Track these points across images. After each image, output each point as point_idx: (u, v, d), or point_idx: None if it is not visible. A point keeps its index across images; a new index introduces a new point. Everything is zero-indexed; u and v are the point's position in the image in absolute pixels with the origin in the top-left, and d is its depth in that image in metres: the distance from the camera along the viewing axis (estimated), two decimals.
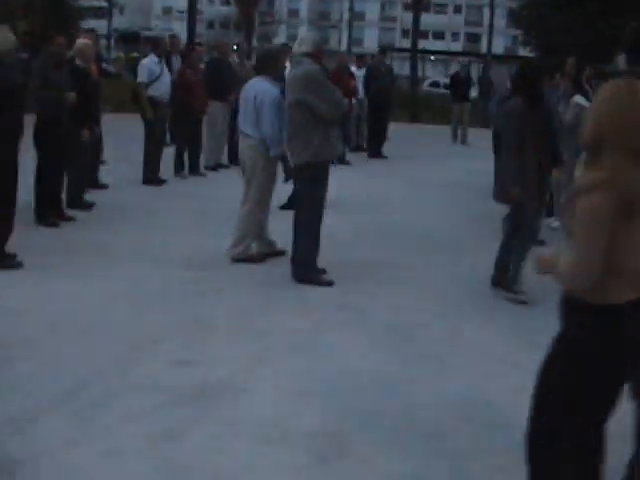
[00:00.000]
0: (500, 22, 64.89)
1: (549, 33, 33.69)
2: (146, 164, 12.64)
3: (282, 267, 7.91)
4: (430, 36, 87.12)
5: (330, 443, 4.46)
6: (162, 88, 12.56)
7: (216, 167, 14.28)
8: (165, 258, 8.29)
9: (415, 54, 36.64)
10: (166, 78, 12.65)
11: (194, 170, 13.68)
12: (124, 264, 8.00)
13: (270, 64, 8.48)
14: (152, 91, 12.41)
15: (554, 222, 10.11)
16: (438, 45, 74.77)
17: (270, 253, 8.45)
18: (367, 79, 17.40)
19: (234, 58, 14.98)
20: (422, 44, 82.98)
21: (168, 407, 4.82)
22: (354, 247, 9.22)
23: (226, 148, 14.62)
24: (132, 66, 15.48)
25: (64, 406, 4.75)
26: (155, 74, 12.44)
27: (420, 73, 44.24)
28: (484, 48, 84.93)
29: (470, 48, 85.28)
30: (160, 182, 12.69)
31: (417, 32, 36.67)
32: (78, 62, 10.23)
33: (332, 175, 7.78)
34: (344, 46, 76.25)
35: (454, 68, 71.72)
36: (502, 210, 8.01)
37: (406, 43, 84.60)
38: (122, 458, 4.16)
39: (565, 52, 34.68)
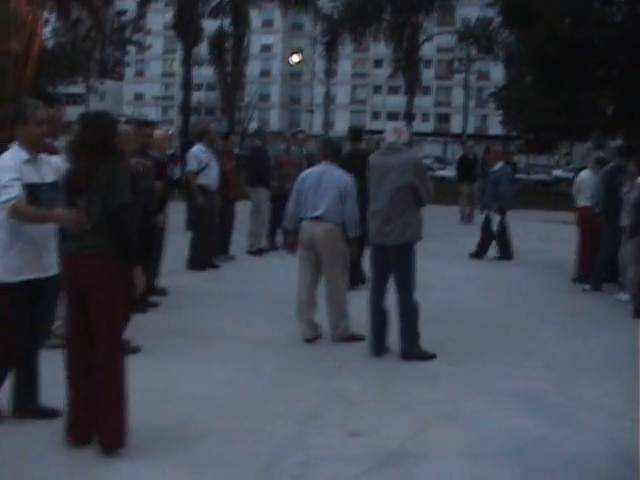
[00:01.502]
0: (470, 102, 66.25)
1: (535, 114, 34.64)
2: (194, 250, 12.97)
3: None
4: (400, 117, 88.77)
5: None
6: (211, 176, 12.95)
7: (260, 251, 14.69)
8: (258, 338, 8.67)
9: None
10: (214, 166, 13.05)
11: (225, 253, 14.04)
12: (229, 345, 8.35)
13: (335, 151, 8.98)
14: (201, 179, 12.79)
15: (624, 296, 10.73)
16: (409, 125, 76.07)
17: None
18: None
19: (281, 146, 15.50)
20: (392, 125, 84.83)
21: (369, 473, 5.18)
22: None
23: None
24: None
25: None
26: (204, 162, 12.86)
27: None
28: (453, 128, 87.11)
29: (440, 129, 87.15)
30: (215, 266, 13.05)
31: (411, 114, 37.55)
32: (152, 152, 10.62)
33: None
34: (317, 129, 77.65)
35: (429, 149, 73.29)
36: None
37: (377, 125, 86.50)
38: None
39: (547, 131, 35.90)
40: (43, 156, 5.94)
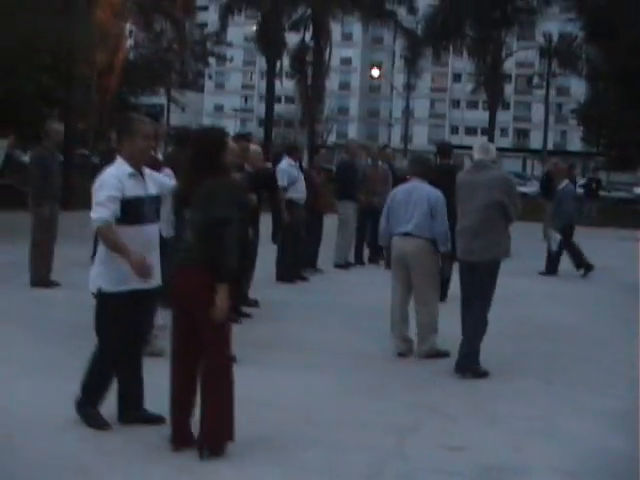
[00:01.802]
0: (549, 118, 65.74)
1: (617, 129, 34.30)
2: (282, 263, 13.17)
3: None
4: (479, 132, 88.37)
5: None
6: (300, 190, 13.14)
7: (347, 265, 14.87)
8: (352, 351, 8.85)
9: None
10: (302, 180, 13.24)
11: (313, 266, 14.22)
12: (322, 357, 8.54)
13: (425, 169, 9.09)
14: (291, 193, 12.98)
15: None
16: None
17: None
18: None
19: (367, 159, 15.67)
20: (470, 140, 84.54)
21: None
22: (507, 340, 9.71)
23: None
24: None
25: None
26: (294, 177, 13.06)
27: None
28: (532, 143, 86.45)
29: (519, 144, 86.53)
30: (304, 279, 13.24)
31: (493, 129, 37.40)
32: (247, 167, 10.83)
33: None
34: (396, 142, 77.67)
35: (508, 164, 72.78)
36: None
37: (455, 139, 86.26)
38: None
39: (629, 147, 35.49)
40: (147, 170, 6.17)
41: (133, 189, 5.88)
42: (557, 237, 15.20)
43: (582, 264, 15.51)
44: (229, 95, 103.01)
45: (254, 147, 11.26)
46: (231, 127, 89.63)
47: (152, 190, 6.08)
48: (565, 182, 15.87)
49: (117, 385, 6.17)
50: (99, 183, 5.86)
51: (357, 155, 15.46)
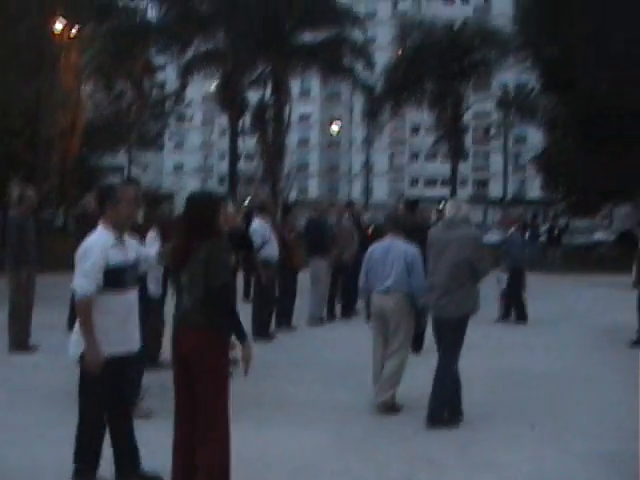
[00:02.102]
0: (508, 167, 66.66)
1: (576, 176, 34.92)
2: (256, 320, 13.28)
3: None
4: (438, 184, 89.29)
5: None
6: (273, 249, 13.30)
7: (321, 321, 15.02)
8: (337, 404, 9.01)
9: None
10: (274, 240, 13.40)
11: (288, 324, 14.37)
12: (311, 412, 8.69)
13: (398, 226, 9.26)
14: (264, 252, 13.13)
15: None
16: (446, 192, 76.52)
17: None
18: None
19: (332, 217, 15.88)
20: (430, 191, 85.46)
21: None
22: (487, 388, 9.92)
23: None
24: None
25: None
26: (266, 237, 13.21)
27: None
28: (492, 192, 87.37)
29: (478, 194, 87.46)
30: (272, 337, 13.31)
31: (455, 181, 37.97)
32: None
33: None
34: (356, 196, 78.22)
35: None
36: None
37: (415, 191, 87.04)
38: None
39: (590, 193, 36.09)
40: (126, 237, 6.28)
41: (116, 257, 6.01)
42: (504, 277, 15.92)
43: (523, 316, 15.86)
44: (189, 154, 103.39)
45: (230, 208, 11.42)
46: (192, 186, 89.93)
47: (132, 256, 6.23)
48: (512, 230, 16.54)
49: (112, 448, 6.24)
50: (83, 251, 5.98)
51: (326, 212, 15.69)
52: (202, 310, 5.62)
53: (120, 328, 6.02)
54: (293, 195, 72.81)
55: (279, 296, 14.02)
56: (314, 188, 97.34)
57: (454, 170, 42.16)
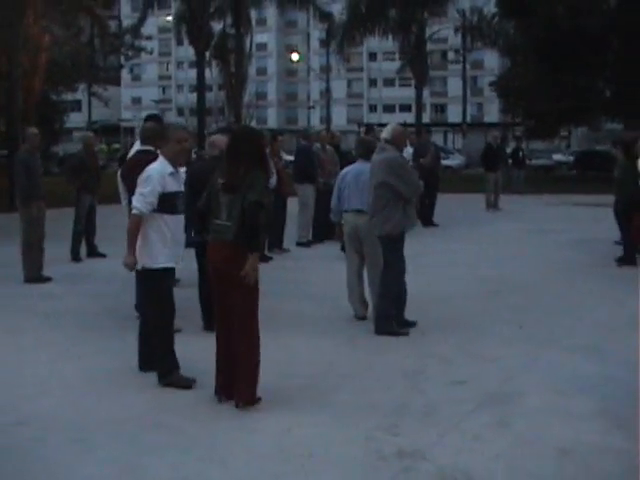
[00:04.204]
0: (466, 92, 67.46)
1: (535, 100, 35.87)
2: None
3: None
4: (397, 109, 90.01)
5: None
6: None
7: (309, 243, 15.94)
8: (342, 316, 9.88)
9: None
10: (271, 167, 14.15)
11: (280, 246, 15.26)
12: (318, 324, 9.61)
13: (368, 150, 9.93)
14: None
15: None
16: (406, 117, 77.26)
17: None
18: (415, 155, 19.19)
19: (317, 145, 16.65)
20: (389, 118, 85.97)
21: (478, 410, 6.46)
22: (475, 296, 10.95)
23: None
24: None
25: None
26: None
27: None
28: (449, 118, 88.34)
29: (437, 119, 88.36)
30: (267, 259, 14.19)
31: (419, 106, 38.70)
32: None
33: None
34: (315, 124, 78.77)
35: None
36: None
37: (373, 118, 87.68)
38: None
39: (548, 116, 37.13)
40: (180, 169, 7.28)
41: (171, 185, 7.01)
42: None
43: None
44: (146, 87, 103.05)
45: (221, 137, 12.13)
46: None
47: (182, 186, 7.20)
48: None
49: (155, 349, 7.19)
50: (145, 176, 6.99)
51: (313, 141, 16.49)
52: (236, 227, 6.49)
53: (172, 244, 7.07)
54: (253, 125, 73.25)
55: (271, 222, 14.82)
56: (273, 117, 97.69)
57: (419, 96, 42.92)
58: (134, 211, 6.94)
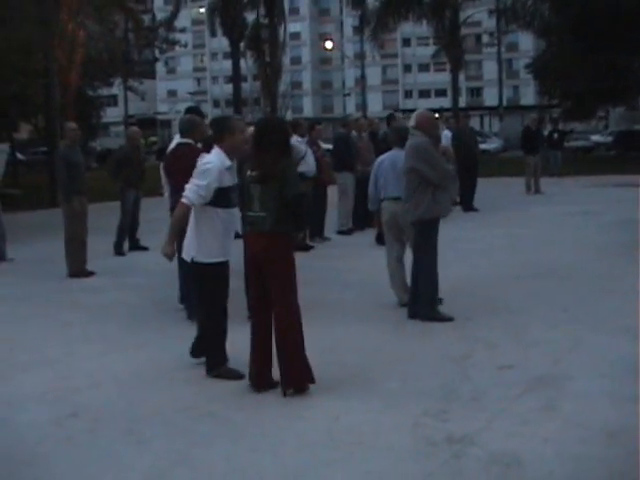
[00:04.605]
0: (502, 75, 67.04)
1: (572, 81, 35.55)
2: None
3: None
4: (432, 94, 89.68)
5: None
6: (309, 164, 14.10)
7: (349, 231, 15.96)
8: (383, 304, 9.90)
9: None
10: (310, 155, 14.21)
11: (321, 234, 15.30)
12: (362, 311, 9.63)
13: (401, 138, 9.90)
14: (301, 168, 13.92)
15: None
16: (442, 102, 77.01)
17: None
18: (455, 140, 19.13)
19: (354, 132, 16.64)
20: (424, 103, 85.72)
21: (526, 394, 6.46)
22: (517, 280, 10.93)
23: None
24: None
25: None
26: (303, 152, 13.98)
27: None
28: (485, 101, 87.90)
29: (473, 102, 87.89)
30: (309, 248, 14.25)
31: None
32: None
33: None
34: (351, 111, 78.66)
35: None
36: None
37: (409, 104, 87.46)
38: None
39: (585, 96, 36.82)
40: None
41: (228, 180, 7.01)
42: None
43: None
44: (181, 79, 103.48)
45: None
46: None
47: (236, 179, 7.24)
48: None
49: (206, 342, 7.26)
50: (204, 169, 6.90)
51: (351, 129, 16.51)
52: (273, 218, 6.55)
53: (224, 238, 7.08)
54: (289, 114, 73.43)
55: (311, 210, 14.84)
56: (309, 106, 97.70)
57: (455, 80, 42.76)
58: (184, 200, 6.87)
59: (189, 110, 10.48)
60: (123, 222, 14.87)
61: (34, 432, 6.08)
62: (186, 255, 7.21)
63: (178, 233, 7.05)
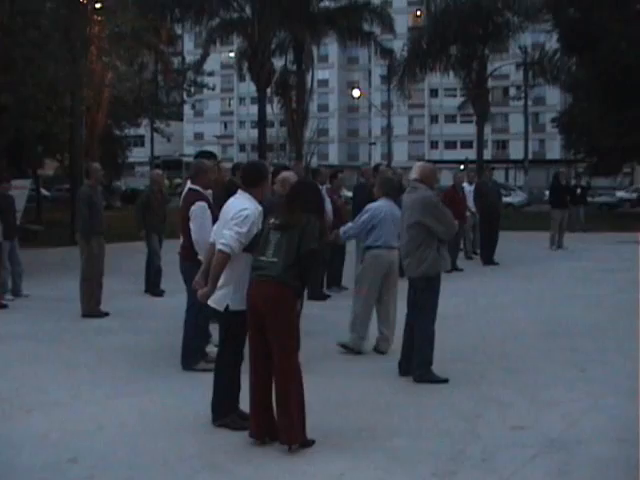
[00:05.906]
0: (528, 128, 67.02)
1: (598, 136, 35.47)
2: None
3: None
4: (458, 145, 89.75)
5: None
6: (327, 212, 13.94)
7: None
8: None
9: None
10: (328, 203, 14.10)
11: (338, 284, 15.17)
12: (371, 363, 9.46)
13: (392, 189, 9.99)
14: None
15: None
16: (468, 153, 76.96)
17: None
18: (477, 193, 19.05)
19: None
20: (450, 154, 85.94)
21: (538, 457, 6.27)
22: (534, 338, 10.75)
23: None
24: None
25: None
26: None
27: None
28: (511, 154, 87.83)
29: (499, 155, 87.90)
30: (325, 297, 14.09)
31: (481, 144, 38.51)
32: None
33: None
34: (377, 160, 78.71)
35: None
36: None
37: (435, 154, 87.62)
38: None
39: (612, 152, 36.71)
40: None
41: (260, 224, 6.91)
42: None
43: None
44: (208, 122, 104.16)
45: (288, 173, 12.15)
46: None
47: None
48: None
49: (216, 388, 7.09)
50: (245, 216, 6.78)
51: (370, 177, 16.41)
52: (283, 264, 6.44)
53: (245, 284, 6.79)
54: (314, 161, 73.55)
55: (329, 259, 14.74)
56: (334, 154, 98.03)
57: (480, 132, 42.78)
58: (225, 249, 6.70)
59: (199, 154, 10.43)
60: (151, 264, 14.81)
61: (31, 476, 5.95)
62: (218, 304, 6.98)
63: (215, 282, 6.85)
